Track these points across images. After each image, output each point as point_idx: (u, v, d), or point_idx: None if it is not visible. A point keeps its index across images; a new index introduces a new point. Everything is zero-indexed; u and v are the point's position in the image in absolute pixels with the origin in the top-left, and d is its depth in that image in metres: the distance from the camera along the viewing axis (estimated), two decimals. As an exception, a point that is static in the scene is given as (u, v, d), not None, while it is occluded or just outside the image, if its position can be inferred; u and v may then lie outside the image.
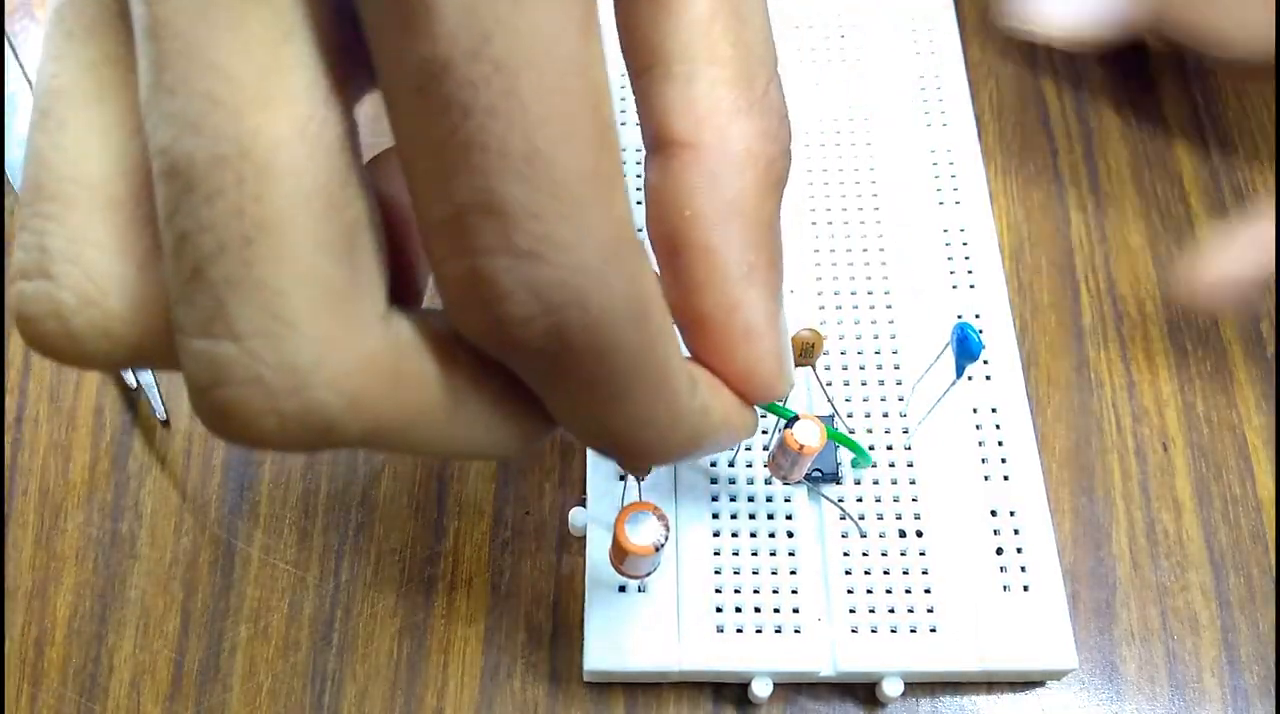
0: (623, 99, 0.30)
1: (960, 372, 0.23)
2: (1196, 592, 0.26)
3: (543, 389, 0.17)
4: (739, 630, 0.24)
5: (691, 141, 0.19)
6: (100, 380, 0.27)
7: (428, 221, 0.15)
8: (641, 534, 0.20)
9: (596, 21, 0.15)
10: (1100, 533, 0.26)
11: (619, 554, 0.21)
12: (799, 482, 0.24)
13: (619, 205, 0.16)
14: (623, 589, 0.24)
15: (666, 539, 0.20)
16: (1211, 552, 0.26)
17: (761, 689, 0.23)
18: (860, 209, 0.29)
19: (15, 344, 0.27)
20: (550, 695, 0.24)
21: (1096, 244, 0.30)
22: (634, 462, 0.19)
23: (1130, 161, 0.31)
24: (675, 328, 0.18)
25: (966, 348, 0.22)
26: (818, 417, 0.22)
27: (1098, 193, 0.31)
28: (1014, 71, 0.33)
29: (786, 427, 0.22)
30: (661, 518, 0.20)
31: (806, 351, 0.23)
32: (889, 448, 0.26)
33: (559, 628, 0.25)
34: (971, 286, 0.28)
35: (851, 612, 0.24)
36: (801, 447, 0.21)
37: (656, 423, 0.18)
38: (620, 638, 0.23)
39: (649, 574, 0.22)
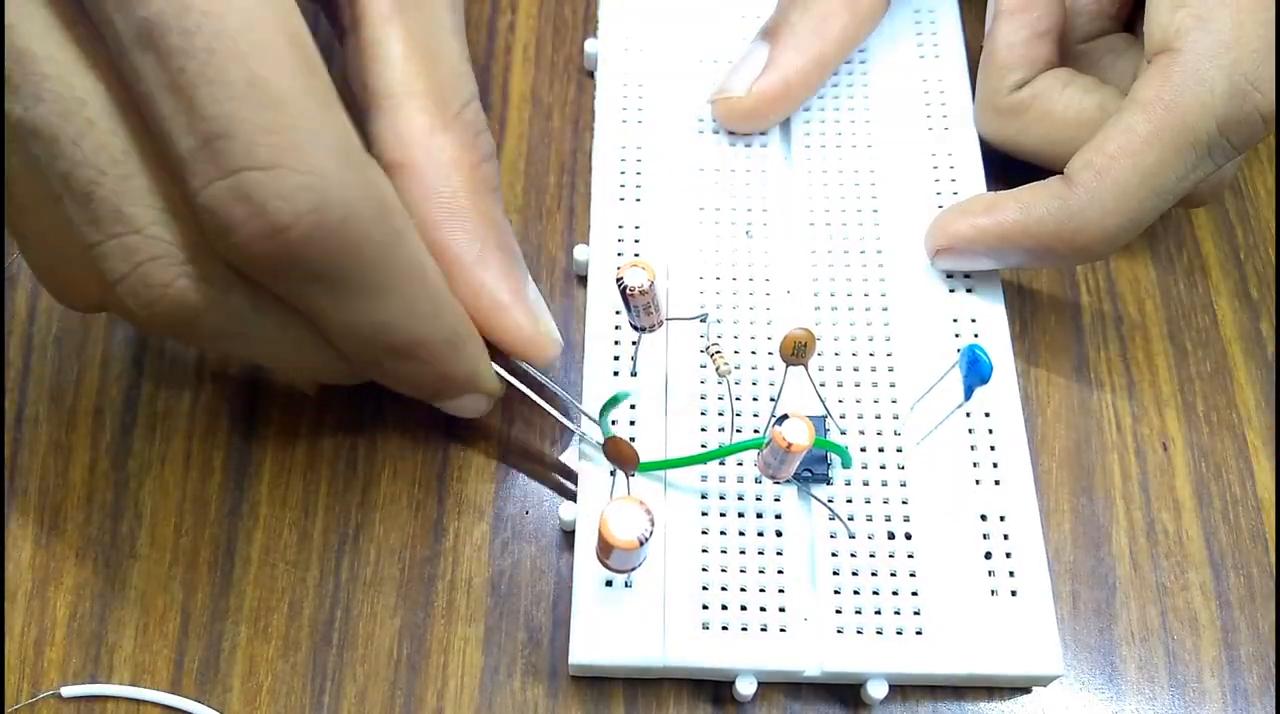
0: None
1: (969, 394, 0.23)
2: (1196, 592, 0.26)
3: (320, 303, 0.21)
4: (724, 628, 0.24)
5: (405, 161, 0.23)
6: (100, 380, 0.27)
7: (179, 156, 0.18)
8: (626, 528, 0.20)
9: None
10: (1100, 533, 0.26)
11: (604, 548, 0.21)
12: (788, 481, 0.24)
13: (338, 118, 0.19)
14: (609, 584, 0.24)
15: (651, 534, 0.20)
16: (1211, 552, 0.26)
17: (746, 688, 0.23)
18: (859, 211, 0.29)
19: (15, 344, 0.27)
20: (550, 695, 0.24)
21: (1096, 244, 0.30)
22: (408, 365, 0.23)
23: (1130, 162, 0.31)
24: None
25: (977, 370, 0.22)
26: (809, 416, 0.22)
27: (1097, 193, 0.31)
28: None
29: (776, 425, 0.22)
30: (647, 513, 0.20)
31: (799, 351, 0.23)
32: (880, 450, 0.26)
33: (558, 628, 0.25)
34: (969, 290, 0.28)
35: (838, 613, 0.24)
36: (790, 445, 0.21)
37: (419, 311, 0.22)
38: (606, 632, 0.23)
39: (634, 569, 0.22)
